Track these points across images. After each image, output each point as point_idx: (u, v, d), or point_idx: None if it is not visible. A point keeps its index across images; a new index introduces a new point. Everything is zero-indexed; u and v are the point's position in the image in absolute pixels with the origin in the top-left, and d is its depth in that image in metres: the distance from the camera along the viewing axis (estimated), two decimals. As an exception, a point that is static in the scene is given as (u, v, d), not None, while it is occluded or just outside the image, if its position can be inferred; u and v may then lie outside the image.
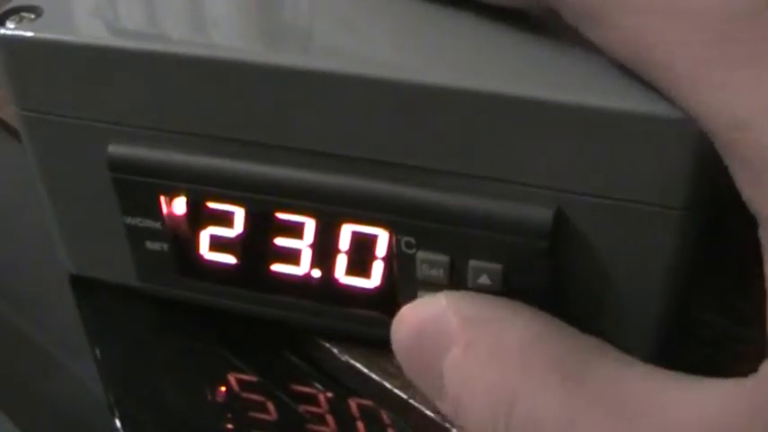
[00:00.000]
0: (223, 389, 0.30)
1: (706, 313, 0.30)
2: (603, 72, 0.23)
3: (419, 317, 0.24)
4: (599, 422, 0.20)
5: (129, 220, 0.29)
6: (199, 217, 0.28)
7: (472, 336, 0.23)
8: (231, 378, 0.30)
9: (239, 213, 0.28)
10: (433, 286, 0.26)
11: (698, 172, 0.23)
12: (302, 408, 0.29)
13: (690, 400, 0.20)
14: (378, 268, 0.27)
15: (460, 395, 0.23)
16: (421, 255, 0.26)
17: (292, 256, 0.28)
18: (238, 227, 0.28)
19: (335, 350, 0.29)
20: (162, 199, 0.28)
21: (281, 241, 0.28)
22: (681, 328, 0.28)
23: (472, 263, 0.25)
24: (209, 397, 0.30)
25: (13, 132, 0.39)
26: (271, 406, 0.29)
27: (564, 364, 0.21)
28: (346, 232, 0.27)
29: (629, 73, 0.22)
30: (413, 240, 0.26)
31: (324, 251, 0.28)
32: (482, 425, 0.22)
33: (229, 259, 0.29)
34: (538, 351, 0.22)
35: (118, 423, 0.30)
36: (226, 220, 0.28)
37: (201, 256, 0.29)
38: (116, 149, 0.28)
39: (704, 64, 0.19)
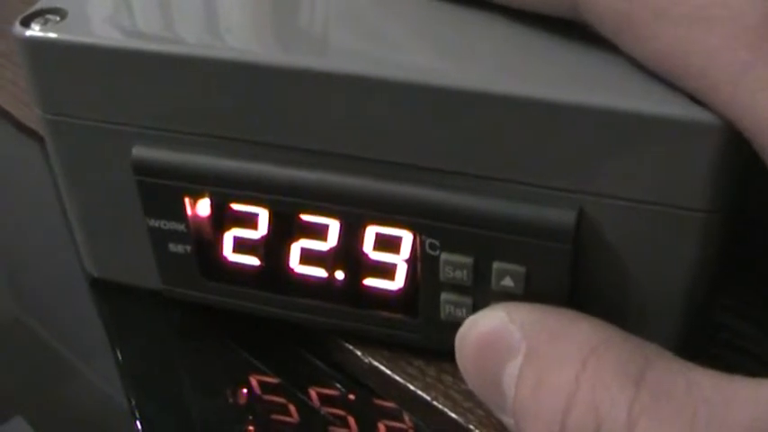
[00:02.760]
0: (244, 391, 0.30)
1: (728, 317, 0.30)
2: (626, 75, 0.23)
3: (481, 330, 0.24)
4: (662, 420, 0.20)
5: (153, 223, 0.29)
6: (222, 219, 0.28)
7: (533, 344, 0.23)
8: (253, 380, 0.30)
9: (263, 215, 0.28)
10: (457, 288, 0.26)
11: (722, 174, 0.23)
12: (325, 410, 0.29)
13: (752, 397, 0.20)
14: (401, 270, 0.27)
15: (520, 403, 0.23)
16: (444, 257, 0.26)
17: (316, 258, 0.28)
18: (262, 229, 0.28)
19: (359, 352, 0.29)
20: (186, 201, 0.28)
21: (304, 243, 0.28)
22: (703, 332, 0.28)
23: (495, 265, 0.25)
24: (231, 399, 0.30)
25: (35, 135, 0.39)
26: (293, 408, 0.29)
27: (626, 367, 0.21)
28: (370, 234, 0.27)
29: (653, 76, 0.22)
30: (437, 242, 0.26)
31: (348, 253, 0.28)
32: (541, 429, 0.22)
33: (253, 261, 0.29)
34: (599, 356, 0.22)
35: (139, 426, 0.30)
36: (250, 221, 0.28)
37: (225, 258, 0.29)
38: (140, 152, 0.28)
39: (744, 67, 0.20)
